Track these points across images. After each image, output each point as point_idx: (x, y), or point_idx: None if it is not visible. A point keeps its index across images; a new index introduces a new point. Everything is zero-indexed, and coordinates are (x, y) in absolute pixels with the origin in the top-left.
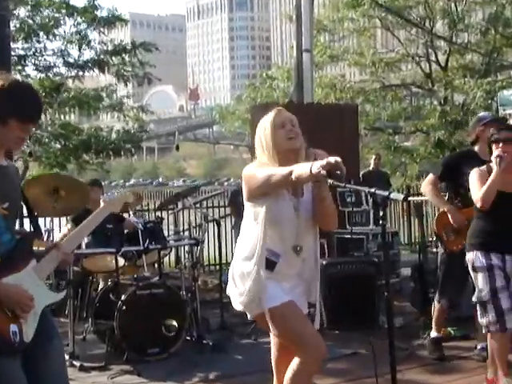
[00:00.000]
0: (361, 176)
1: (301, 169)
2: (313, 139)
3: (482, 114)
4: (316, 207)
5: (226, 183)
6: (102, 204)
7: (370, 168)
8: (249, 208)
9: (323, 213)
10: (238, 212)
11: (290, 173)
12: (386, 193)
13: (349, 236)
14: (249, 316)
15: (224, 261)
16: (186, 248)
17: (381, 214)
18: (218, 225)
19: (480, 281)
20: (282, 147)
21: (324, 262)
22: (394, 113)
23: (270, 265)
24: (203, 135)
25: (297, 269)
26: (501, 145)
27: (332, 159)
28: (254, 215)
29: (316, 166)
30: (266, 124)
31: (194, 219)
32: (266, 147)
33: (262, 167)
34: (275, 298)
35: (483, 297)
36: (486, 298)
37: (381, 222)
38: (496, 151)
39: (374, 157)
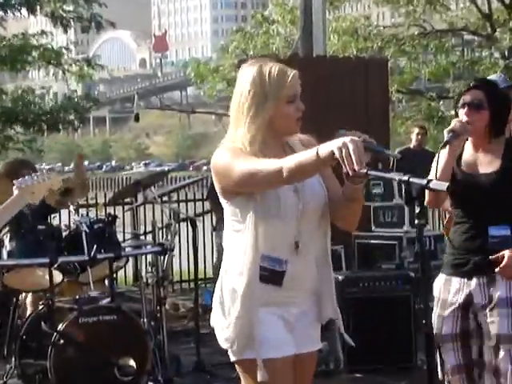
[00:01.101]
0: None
1: (300, 158)
2: (325, 107)
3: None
4: (337, 204)
5: (204, 168)
6: (14, 191)
7: (411, 145)
8: (228, 208)
9: (346, 213)
10: (220, 209)
11: (284, 169)
12: (424, 181)
13: (375, 241)
14: (231, 357)
15: (202, 275)
16: (149, 258)
17: (417, 210)
18: (194, 225)
19: None
20: (282, 129)
21: (340, 278)
22: (438, 70)
23: (275, 278)
24: (173, 101)
25: (307, 278)
26: (465, 110)
27: (352, 141)
28: (236, 215)
29: (328, 148)
30: (268, 85)
31: (161, 218)
32: (253, 119)
33: (238, 155)
34: (276, 345)
35: None
36: None
37: (417, 221)
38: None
39: (416, 130)
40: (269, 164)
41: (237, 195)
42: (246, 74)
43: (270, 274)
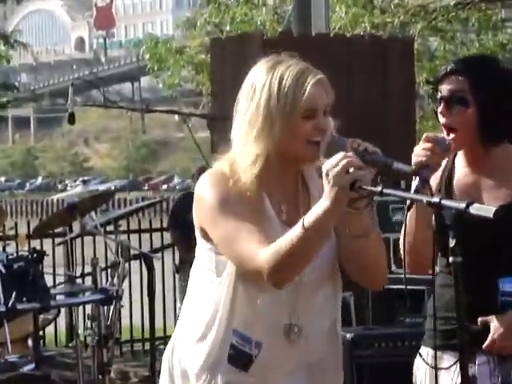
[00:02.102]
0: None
1: (284, 243)
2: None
3: None
4: (347, 249)
5: (164, 186)
6: None
7: None
8: (204, 248)
9: (360, 260)
10: (186, 243)
11: (267, 266)
12: (462, 204)
13: (396, 286)
14: None
15: (160, 333)
16: (89, 309)
17: (451, 243)
18: (150, 265)
19: None
20: (288, 153)
21: (348, 337)
22: (483, 52)
23: (241, 361)
24: (122, 96)
25: (293, 361)
26: (440, 108)
27: (344, 157)
28: (212, 263)
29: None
30: (280, 95)
31: (104, 254)
32: (258, 137)
33: (226, 207)
34: None
35: None
36: None
37: (451, 259)
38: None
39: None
40: (252, 246)
41: None
42: (255, 77)
43: (236, 354)
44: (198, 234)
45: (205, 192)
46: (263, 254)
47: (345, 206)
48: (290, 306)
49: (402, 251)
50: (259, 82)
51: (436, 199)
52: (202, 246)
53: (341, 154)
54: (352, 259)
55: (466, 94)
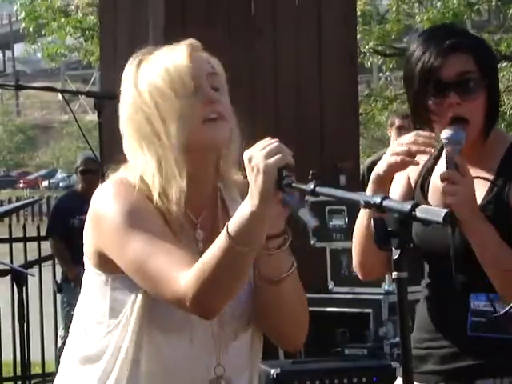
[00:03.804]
0: (364, 168)
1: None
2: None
3: None
4: (257, 298)
5: (44, 183)
6: None
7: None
8: (96, 281)
9: (277, 315)
10: (70, 254)
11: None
12: (407, 205)
13: (333, 309)
14: None
15: (37, 370)
16: None
17: (395, 255)
18: (21, 285)
19: None
20: (196, 142)
21: (273, 373)
22: (443, 15)
23: None
24: None
25: None
26: (450, 99)
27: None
28: (106, 300)
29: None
30: (154, 84)
31: None
32: (151, 142)
33: (137, 219)
34: None
35: None
36: None
37: (395, 274)
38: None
39: (396, 121)
40: (171, 269)
41: (118, 269)
42: (125, 84)
43: None
44: (88, 261)
45: (107, 207)
46: (185, 277)
47: (273, 208)
48: (213, 345)
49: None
50: (133, 88)
51: (376, 199)
52: (93, 277)
53: (267, 139)
54: (263, 311)
55: (476, 77)
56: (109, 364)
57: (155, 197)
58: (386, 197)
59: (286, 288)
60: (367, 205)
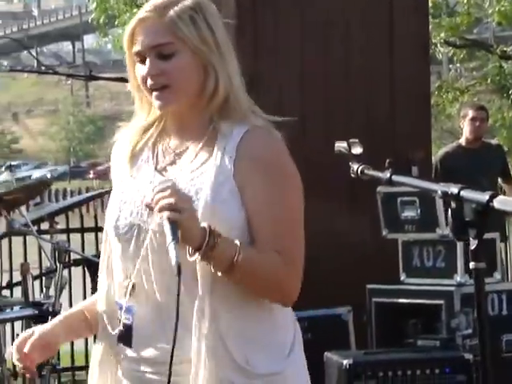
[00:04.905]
0: (437, 159)
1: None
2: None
3: None
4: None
5: None
6: None
7: (462, 141)
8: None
9: (253, 290)
10: None
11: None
12: (485, 195)
13: (405, 300)
14: None
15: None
16: (17, 328)
17: (472, 245)
18: (95, 273)
19: None
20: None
21: (345, 364)
22: None
23: (123, 336)
24: (60, 59)
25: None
26: None
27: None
28: None
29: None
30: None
31: (38, 259)
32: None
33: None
34: None
35: None
36: None
37: (473, 264)
38: None
39: (470, 113)
40: None
41: None
42: None
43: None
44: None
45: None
46: None
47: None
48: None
49: None
50: None
51: (454, 189)
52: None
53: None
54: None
55: None
56: None
57: None
58: (464, 187)
59: (239, 273)
60: (444, 195)
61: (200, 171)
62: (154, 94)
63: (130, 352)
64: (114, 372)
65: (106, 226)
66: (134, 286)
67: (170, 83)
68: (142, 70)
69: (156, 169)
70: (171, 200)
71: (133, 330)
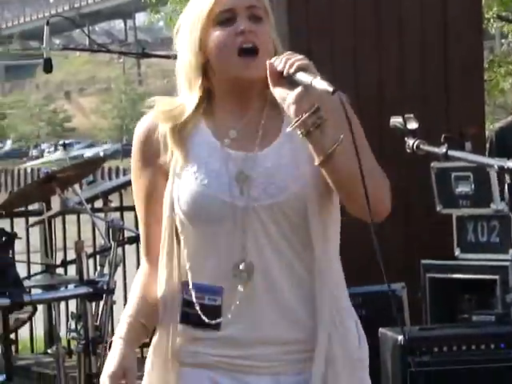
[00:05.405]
0: (492, 134)
1: None
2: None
3: None
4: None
5: None
6: None
7: None
8: None
9: (344, 189)
10: None
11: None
12: None
13: (460, 275)
14: None
15: None
16: (73, 306)
17: None
18: None
19: None
20: (221, 73)
21: (400, 339)
22: None
23: (203, 319)
24: (112, 37)
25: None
26: None
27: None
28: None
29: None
30: (190, 12)
31: (92, 237)
32: (186, 69)
33: (136, 171)
34: None
35: None
36: None
37: None
38: None
39: None
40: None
41: None
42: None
43: (200, 311)
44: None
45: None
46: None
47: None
48: (237, 236)
49: None
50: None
51: (511, 164)
52: None
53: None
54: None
55: None
56: None
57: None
58: None
59: (339, 163)
60: (501, 169)
61: (278, 141)
62: (244, 60)
63: (212, 334)
64: (174, 360)
65: (170, 212)
66: (248, 266)
67: (260, 46)
68: (226, 31)
69: (223, 144)
70: (300, 57)
71: (222, 311)
